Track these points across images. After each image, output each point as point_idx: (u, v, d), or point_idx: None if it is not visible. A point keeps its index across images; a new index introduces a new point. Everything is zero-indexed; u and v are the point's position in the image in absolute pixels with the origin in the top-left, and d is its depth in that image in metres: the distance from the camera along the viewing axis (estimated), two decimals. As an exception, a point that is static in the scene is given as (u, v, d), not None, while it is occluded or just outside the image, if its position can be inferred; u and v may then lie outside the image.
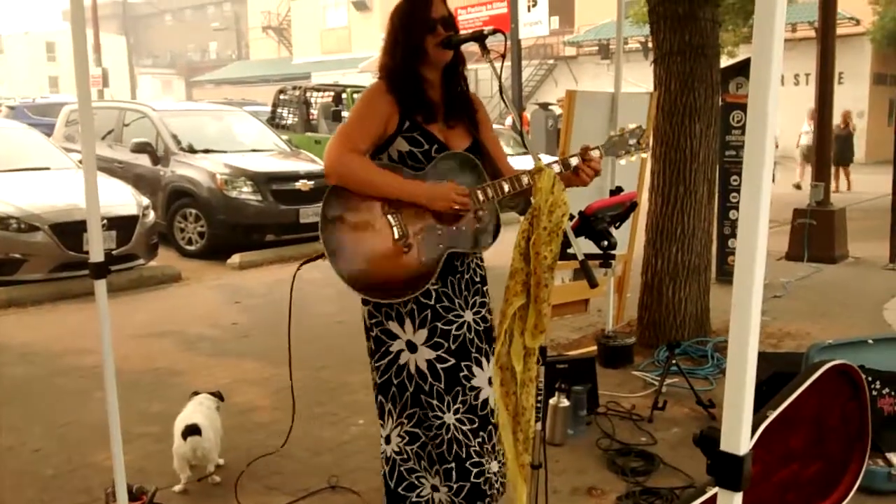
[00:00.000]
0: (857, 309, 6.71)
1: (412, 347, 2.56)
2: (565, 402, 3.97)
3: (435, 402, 2.56)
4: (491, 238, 2.59)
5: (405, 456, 2.64)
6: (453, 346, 2.56)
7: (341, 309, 6.37)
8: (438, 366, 2.55)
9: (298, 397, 4.59)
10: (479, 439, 2.59)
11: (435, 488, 2.64)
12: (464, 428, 2.57)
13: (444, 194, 2.45)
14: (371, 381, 2.71)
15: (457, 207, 2.45)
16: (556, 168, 2.53)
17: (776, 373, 3.75)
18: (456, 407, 2.56)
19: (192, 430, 3.40)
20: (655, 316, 5.51)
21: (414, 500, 2.66)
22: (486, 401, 2.61)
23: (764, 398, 3.08)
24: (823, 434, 3.13)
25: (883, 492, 3.41)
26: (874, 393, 3.57)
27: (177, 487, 3.48)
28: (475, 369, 2.60)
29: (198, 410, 3.59)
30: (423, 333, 2.54)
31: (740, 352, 1.35)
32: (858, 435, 3.24)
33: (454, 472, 2.58)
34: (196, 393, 3.79)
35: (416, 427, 2.60)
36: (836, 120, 15.38)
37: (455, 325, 2.58)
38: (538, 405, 2.51)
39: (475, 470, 2.58)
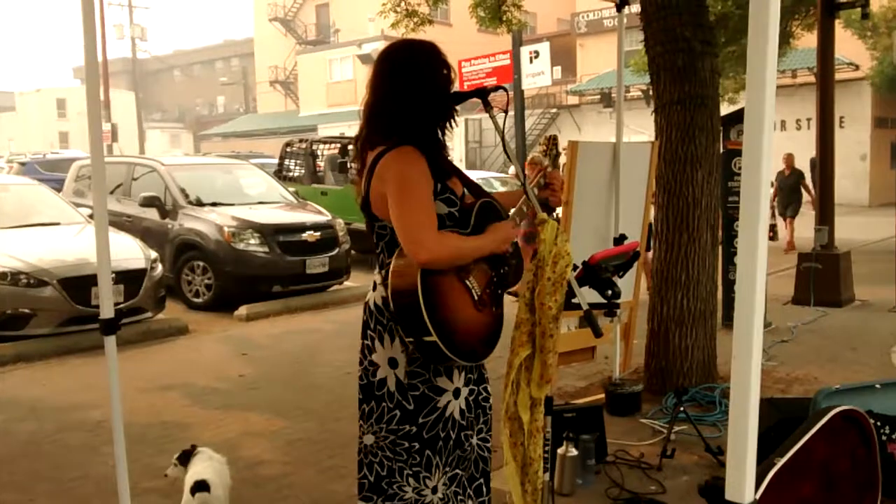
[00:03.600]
0: (865, 353, 6.69)
1: (457, 394, 2.51)
2: (573, 452, 3.95)
3: (469, 432, 2.56)
4: (521, 273, 2.61)
5: (447, 500, 2.57)
6: (475, 376, 2.58)
7: (353, 359, 6.34)
8: (471, 399, 2.56)
9: (307, 450, 4.61)
10: (489, 444, 2.64)
11: None
12: (482, 444, 2.60)
13: (507, 232, 2.48)
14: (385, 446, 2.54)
15: (511, 243, 2.50)
16: (535, 190, 2.60)
17: (784, 418, 3.74)
18: (479, 427, 2.59)
19: (200, 486, 3.39)
20: (662, 363, 5.50)
21: None
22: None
23: (772, 444, 3.07)
24: (833, 481, 3.11)
25: (896, 539, 3.37)
26: (884, 438, 3.55)
27: (185, 543, 3.46)
28: (488, 388, 2.63)
29: (207, 466, 3.58)
30: (463, 376, 2.52)
31: (742, 402, 1.36)
32: (869, 481, 3.22)
33: (483, 486, 2.60)
34: (194, 447, 3.75)
35: (455, 468, 2.55)
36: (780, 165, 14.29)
37: None
38: (546, 455, 2.52)
39: (490, 480, 2.61)
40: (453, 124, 2.53)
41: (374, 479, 2.53)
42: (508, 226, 2.48)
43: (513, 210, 2.55)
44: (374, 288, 2.48)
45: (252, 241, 9.33)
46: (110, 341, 3.02)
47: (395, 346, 2.43)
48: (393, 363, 2.46)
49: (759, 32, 1.46)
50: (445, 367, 2.45)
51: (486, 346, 2.43)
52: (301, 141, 16.01)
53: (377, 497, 2.53)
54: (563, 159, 2.81)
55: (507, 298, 2.59)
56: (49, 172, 18.27)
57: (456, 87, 2.55)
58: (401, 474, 2.51)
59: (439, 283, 2.32)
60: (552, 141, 2.83)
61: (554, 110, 33.46)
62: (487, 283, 2.44)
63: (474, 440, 2.58)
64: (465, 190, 2.58)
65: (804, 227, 12.59)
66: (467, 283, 2.38)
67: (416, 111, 2.41)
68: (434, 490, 2.53)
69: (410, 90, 2.41)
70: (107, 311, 2.95)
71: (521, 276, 2.61)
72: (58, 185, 11.44)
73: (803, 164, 15.75)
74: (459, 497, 2.60)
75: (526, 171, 7.01)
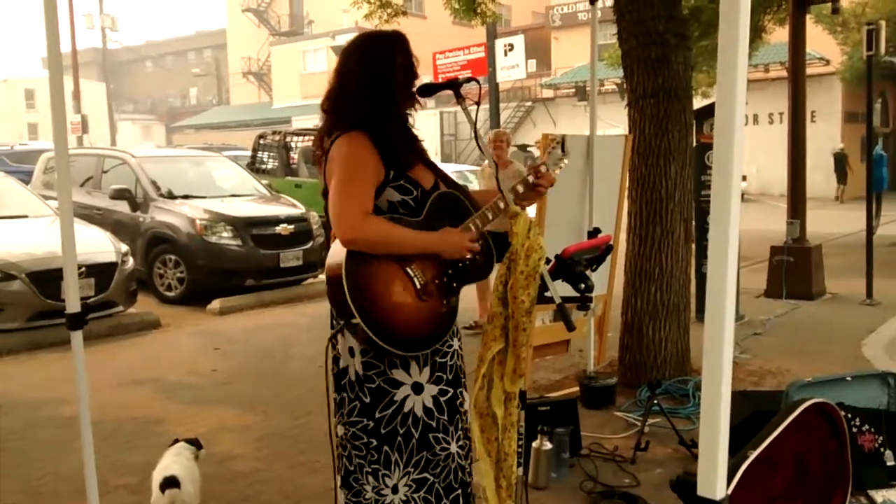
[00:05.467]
0: (836, 345, 6.76)
1: (418, 389, 2.48)
2: (548, 445, 3.96)
3: (441, 435, 2.52)
4: (489, 268, 2.58)
5: (409, 502, 2.55)
6: (450, 377, 2.55)
7: (322, 353, 6.32)
8: (441, 399, 2.52)
9: (280, 445, 4.57)
10: (469, 460, 2.62)
11: None
12: (461, 452, 2.58)
13: (459, 243, 2.43)
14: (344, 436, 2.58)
15: (469, 256, 2.45)
16: (520, 188, 2.57)
17: (757, 411, 3.77)
18: (457, 434, 2.57)
19: (169, 483, 3.35)
20: (636, 356, 5.52)
21: None
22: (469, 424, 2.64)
23: (745, 437, 3.09)
24: (805, 473, 3.14)
25: (866, 530, 3.41)
26: (854, 430, 3.59)
27: (155, 540, 3.41)
28: (465, 393, 2.61)
29: (175, 461, 3.54)
30: (427, 371, 2.50)
31: (714, 397, 1.36)
32: (839, 473, 3.25)
33: (461, 498, 2.57)
34: (177, 440, 3.74)
35: (423, 472, 2.52)
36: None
37: (448, 356, 2.57)
38: (520, 449, 2.51)
39: (472, 492, 2.60)
40: (413, 112, 2.54)
41: (344, 474, 2.54)
42: (461, 236, 2.44)
43: (486, 206, 2.52)
44: None
45: (225, 235, 9.23)
46: (77, 336, 2.96)
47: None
48: (351, 352, 2.48)
49: (730, 26, 1.45)
50: (401, 359, 2.43)
51: (427, 337, 2.41)
52: (274, 133, 15.91)
53: (347, 491, 2.53)
54: (565, 162, 2.74)
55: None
56: (17, 164, 18.00)
57: (428, 77, 2.55)
58: (361, 471, 2.51)
59: (370, 267, 2.32)
60: (560, 142, 2.77)
61: (529, 103, 33.51)
62: (438, 275, 2.42)
63: (453, 447, 2.54)
64: (439, 181, 2.57)
65: (776, 220, 12.69)
66: (408, 270, 2.37)
67: (366, 98, 2.45)
68: (395, 489, 2.50)
69: (361, 78, 2.46)
70: (73, 306, 2.90)
71: (485, 275, 2.58)
72: (26, 178, 11.27)
73: (784, 157, 16.13)
74: None
75: (490, 147, 6.95)
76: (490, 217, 2.51)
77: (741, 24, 1.40)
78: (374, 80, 2.46)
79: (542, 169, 2.63)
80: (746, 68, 1.43)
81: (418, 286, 2.37)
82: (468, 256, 2.45)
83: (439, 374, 2.53)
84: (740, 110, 1.41)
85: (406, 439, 2.48)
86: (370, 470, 2.49)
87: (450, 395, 2.54)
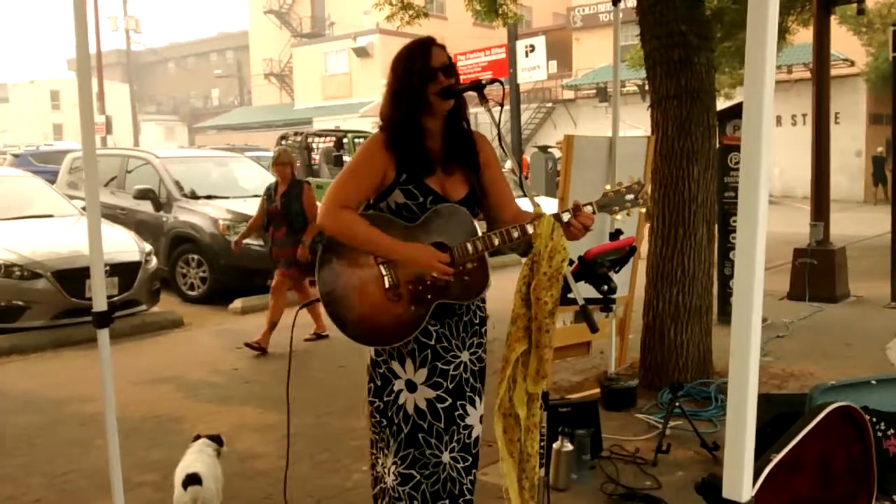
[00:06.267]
0: (860, 348, 6.69)
1: (411, 387, 2.58)
2: (569, 447, 3.95)
3: (433, 440, 2.58)
4: (477, 292, 2.57)
5: (398, 496, 2.63)
6: (451, 386, 2.59)
7: (344, 354, 6.36)
8: (438, 405, 2.57)
9: (301, 444, 4.59)
10: (471, 477, 2.63)
11: None
12: (458, 466, 2.60)
13: (427, 261, 2.46)
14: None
15: (434, 275, 2.46)
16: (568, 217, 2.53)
17: (780, 414, 3.73)
18: (452, 446, 2.59)
19: (192, 480, 3.38)
20: (658, 358, 5.50)
21: None
22: (477, 438, 2.66)
23: (768, 440, 3.07)
24: (829, 477, 3.11)
25: (891, 535, 3.37)
26: (879, 434, 3.55)
27: (178, 537, 3.44)
28: (469, 408, 2.62)
29: (198, 459, 3.57)
30: (424, 373, 2.57)
31: (740, 400, 1.35)
32: (864, 477, 3.22)
33: None
34: (198, 436, 3.77)
35: (409, 468, 2.59)
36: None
37: (453, 366, 2.60)
38: (541, 450, 2.51)
39: None
40: (432, 112, 2.57)
41: (370, 445, 2.78)
42: (433, 254, 2.46)
43: (500, 230, 2.50)
44: None
45: (247, 235, 9.27)
46: (103, 334, 3.00)
47: None
48: None
49: (758, 27, 1.44)
50: (397, 353, 2.56)
51: (378, 334, 2.52)
52: (296, 134, 15.98)
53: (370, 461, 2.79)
54: (633, 212, 2.61)
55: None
56: (43, 164, 18.20)
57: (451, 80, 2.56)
58: (375, 445, 2.74)
59: (344, 250, 2.54)
60: (640, 186, 2.58)
61: (549, 105, 33.45)
62: (413, 280, 2.49)
63: (445, 457, 2.59)
64: (474, 196, 2.62)
65: (799, 222, 12.58)
66: (382, 267, 2.50)
67: (389, 104, 2.60)
68: (388, 472, 2.67)
69: (388, 85, 2.61)
70: (99, 305, 2.93)
71: (471, 297, 2.57)
72: (52, 178, 11.39)
73: (807, 159, 15.93)
74: (415, 502, 2.61)
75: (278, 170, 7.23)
76: (496, 242, 2.48)
77: (769, 24, 1.39)
78: (395, 87, 2.59)
79: (587, 209, 2.53)
80: (774, 72, 1.42)
81: (387, 284, 2.49)
82: (435, 276, 2.47)
83: (439, 380, 2.57)
84: (769, 112, 1.40)
85: (397, 431, 2.61)
86: (381, 446, 2.69)
87: (448, 403, 2.58)
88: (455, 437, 2.59)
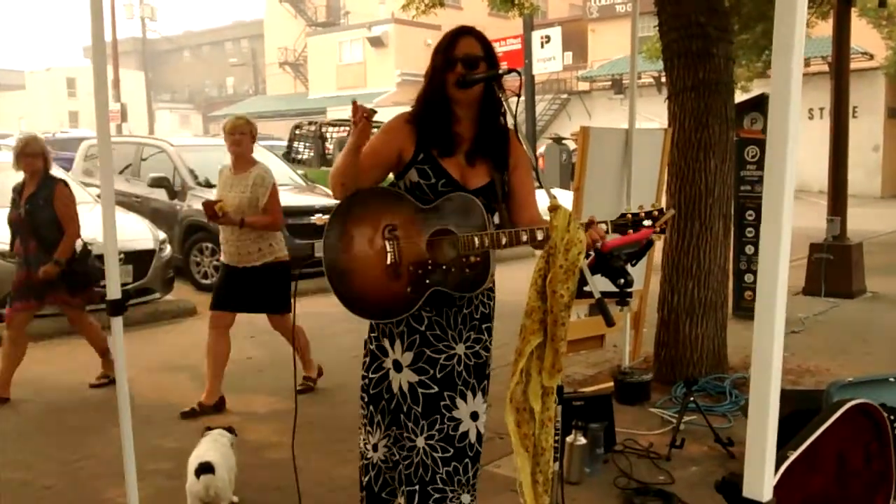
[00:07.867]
0: (877, 345, 6.64)
1: (398, 367, 2.65)
2: (582, 440, 3.93)
3: (410, 424, 2.63)
4: (476, 286, 2.54)
5: (378, 473, 2.79)
6: (439, 375, 2.61)
7: (359, 342, 6.33)
8: (420, 390, 2.61)
9: (317, 434, 4.59)
10: (450, 468, 2.62)
11: None
12: (434, 455, 2.61)
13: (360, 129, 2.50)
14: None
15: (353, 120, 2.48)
16: (540, 235, 2.51)
17: (796, 410, 3.69)
18: (430, 433, 2.61)
19: (205, 468, 3.38)
20: (672, 352, 5.47)
21: None
22: (465, 433, 2.63)
23: (784, 437, 3.04)
24: (846, 475, 3.08)
25: (908, 534, 3.34)
26: (896, 432, 3.51)
27: (190, 526, 3.45)
28: (458, 401, 2.62)
29: (212, 448, 3.57)
30: (409, 356, 2.62)
31: (762, 398, 1.33)
32: (882, 475, 3.18)
33: (416, 496, 2.63)
34: (209, 428, 3.78)
35: (391, 447, 2.72)
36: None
37: (444, 356, 2.61)
38: (556, 444, 2.49)
39: (436, 495, 2.61)
40: (449, 99, 2.60)
41: (366, 421, 2.83)
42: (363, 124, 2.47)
43: (511, 230, 2.51)
44: None
45: (260, 224, 9.28)
46: (117, 322, 3.00)
47: None
48: None
49: (786, 19, 1.41)
50: (389, 332, 2.63)
51: (368, 306, 2.56)
52: (310, 123, 15.98)
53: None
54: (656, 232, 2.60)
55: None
56: (58, 151, 18.22)
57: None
58: (361, 423, 2.81)
59: (352, 217, 2.59)
60: (657, 217, 2.56)
61: (564, 96, 33.31)
62: (416, 262, 2.50)
63: (420, 441, 2.61)
64: (494, 187, 2.61)
65: (816, 217, 12.49)
66: (388, 242, 2.51)
67: (424, 83, 2.69)
68: (375, 448, 2.76)
69: (428, 67, 2.67)
70: (113, 293, 2.93)
71: (469, 290, 2.55)
72: (67, 165, 11.42)
73: (823, 153, 15.78)
74: (393, 481, 2.76)
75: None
76: (503, 241, 2.46)
77: (798, 15, 1.36)
78: (427, 70, 2.66)
79: (602, 227, 2.49)
80: (801, 63, 1.39)
81: (389, 261, 2.50)
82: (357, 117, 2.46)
83: (424, 366, 2.60)
84: (795, 106, 1.38)
85: (387, 405, 2.69)
86: (361, 425, 2.79)
87: (433, 392, 2.60)
88: (436, 426, 2.60)
